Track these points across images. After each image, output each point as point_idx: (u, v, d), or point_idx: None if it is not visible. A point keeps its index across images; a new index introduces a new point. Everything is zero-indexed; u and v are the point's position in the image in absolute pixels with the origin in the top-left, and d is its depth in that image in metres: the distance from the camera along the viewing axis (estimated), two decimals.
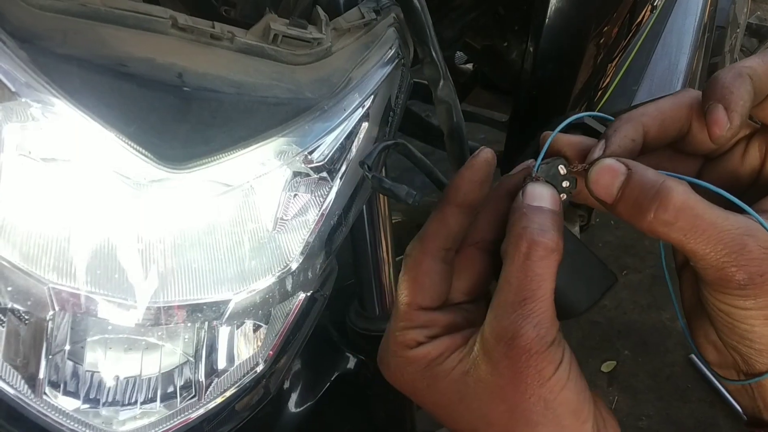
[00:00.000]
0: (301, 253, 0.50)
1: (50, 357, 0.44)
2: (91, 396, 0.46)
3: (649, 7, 1.30)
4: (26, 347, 0.44)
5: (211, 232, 0.47)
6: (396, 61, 0.55)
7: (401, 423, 1.02)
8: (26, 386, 0.44)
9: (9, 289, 0.41)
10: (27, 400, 0.44)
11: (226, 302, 0.48)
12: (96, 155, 0.41)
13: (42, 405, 0.44)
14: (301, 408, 0.88)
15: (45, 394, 0.44)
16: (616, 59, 1.29)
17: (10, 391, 0.43)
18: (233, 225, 0.47)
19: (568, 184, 0.46)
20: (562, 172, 0.46)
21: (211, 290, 0.47)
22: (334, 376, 0.94)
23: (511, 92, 1.50)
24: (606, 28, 1.21)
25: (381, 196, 0.81)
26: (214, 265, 0.47)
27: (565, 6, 1.07)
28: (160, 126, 0.42)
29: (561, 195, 0.46)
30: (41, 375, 0.44)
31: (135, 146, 0.41)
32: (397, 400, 0.99)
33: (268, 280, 0.49)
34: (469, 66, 1.65)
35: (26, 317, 0.44)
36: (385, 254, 0.87)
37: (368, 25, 0.55)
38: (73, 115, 0.40)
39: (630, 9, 1.25)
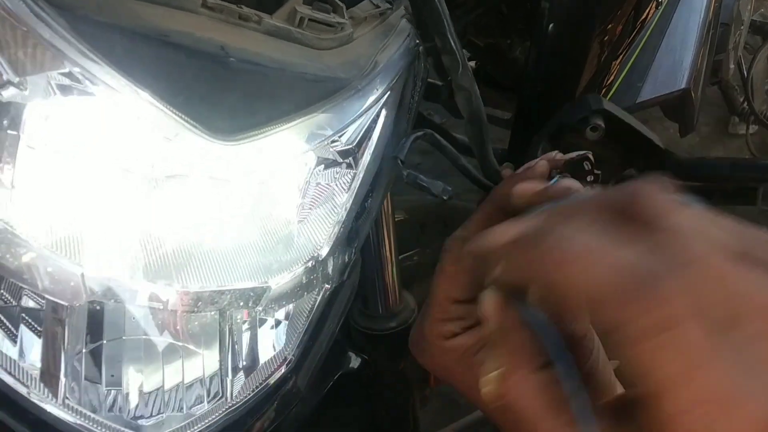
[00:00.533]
0: (328, 242, 0.51)
1: (70, 359, 0.43)
2: (113, 411, 0.46)
3: (654, 3, 1.30)
4: (45, 350, 0.43)
5: (245, 216, 0.47)
6: (415, 48, 0.57)
7: (404, 422, 1.01)
8: (47, 390, 0.43)
9: (49, 270, 0.40)
10: (49, 405, 0.43)
11: (262, 289, 0.48)
12: (138, 128, 0.40)
13: (64, 410, 0.43)
14: (305, 408, 0.88)
15: (66, 398, 0.43)
16: (621, 56, 1.28)
17: (32, 396, 0.43)
18: (263, 211, 0.47)
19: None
20: None
21: (243, 277, 0.47)
22: (337, 376, 0.94)
23: (514, 90, 1.49)
24: (610, 26, 1.20)
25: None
26: (244, 253, 0.47)
27: (569, 3, 1.07)
28: (208, 97, 0.42)
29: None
30: (61, 378, 0.43)
31: (184, 118, 0.40)
32: (400, 400, 0.99)
33: (297, 269, 0.50)
34: (472, 64, 1.65)
35: (37, 326, 0.43)
36: (388, 253, 0.87)
37: (383, 14, 0.57)
38: (118, 84, 0.38)
39: (634, 6, 1.24)
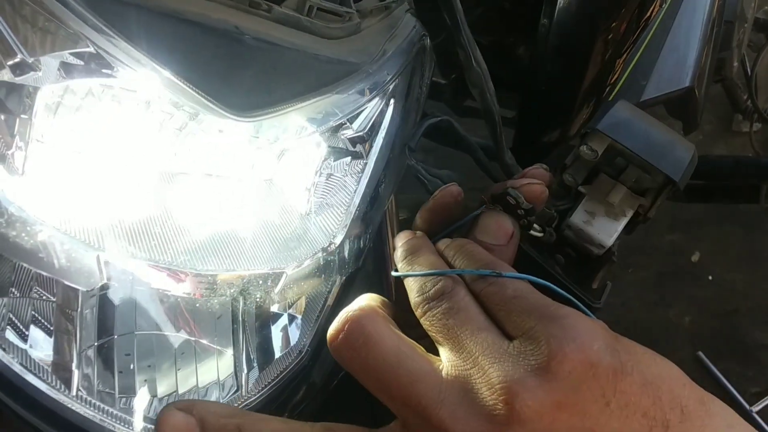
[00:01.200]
0: (343, 229, 0.51)
1: (82, 353, 0.43)
2: (128, 404, 0.45)
3: (659, 1, 1.29)
4: (57, 343, 0.43)
5: (261, 203, 0.48)
6: (421, 40, 0.57)
7: None
8: (59, 382, 0.42)
9: (66, 247, 0.39)
10: (62, 397, 0.42)
11: (278, 274, 0.47)
12: (156, 104, 0.40)
13: (78, 402, 0.43)
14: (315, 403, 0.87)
15: (79, 389, 0.42)
16: (625, 54, 1.28)
17: (44, 387, 0.42)
18: (279, 199, 0.48)
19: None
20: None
21: (260, 263, 0.47)
22: (341, 374, 0.94)
23: (517, 88, 1.49)
24: (614, 24, 1.20)
25: None
26: (260, 239, 0.47)
27: (573, 1, 1.06)
28: (224, 73, 0.42)
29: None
30: (74, 370, 0.42)
31: (205, 96, 0.40)
32: None
33: (313, 255, 0.49)
34: None
35: (47, 324, 0.43)
36: (390, 251, 0.87)
37: (388, 8, 0.57)
38: (137, 63, 0.38)
39: (639, 4, 1.24)
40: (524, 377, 0.36)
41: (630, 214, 0.54)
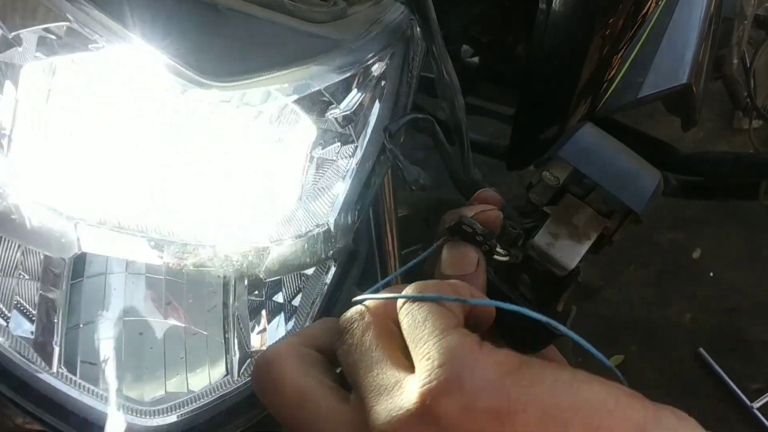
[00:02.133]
0: (333, 212, 0.51)
1: (65, 334, 0.43)
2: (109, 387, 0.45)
3: None
4: (40, 319, 0.43)
5: (247, 174, 0.47)
6: (410, 24, 0.56)
7: None
8: (39, 358, 0.42)
9: (36, 225, 0.39)
10: (44, 375, 0.42)
11: (261, 250, 0.47)
12: (130, 72, 0.40)
13: (60, 379, 0.43)
14: None
15: (61, 367, 0.43)
16: (622, 51, 1.28)
17: (25, 363, 0.42)
18: (265, 171, 0.48)
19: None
20: None
21: (248, 238, 0.47)
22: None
23: (518, 86, 1.50)
24: (612, 20, 1.20)
25: (386, 190, 0.80)
26: (249, 213, 0.48)
27: None
28: (197, 40, 0.41)
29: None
30: (55, 344, 0.42)
31: (174, 59, 0.39)
32: None
33: (299, 234, 0.49)
34: (476, 59, 1.65)
35: (30, 308, 0.43)
36: (391, 247, 0.87)
37: None
38: (105, 28, 0.37)
39: (636, 0, 1.24)
40: (400, 421, 0.34)
41: (594, 237, 0.51)
